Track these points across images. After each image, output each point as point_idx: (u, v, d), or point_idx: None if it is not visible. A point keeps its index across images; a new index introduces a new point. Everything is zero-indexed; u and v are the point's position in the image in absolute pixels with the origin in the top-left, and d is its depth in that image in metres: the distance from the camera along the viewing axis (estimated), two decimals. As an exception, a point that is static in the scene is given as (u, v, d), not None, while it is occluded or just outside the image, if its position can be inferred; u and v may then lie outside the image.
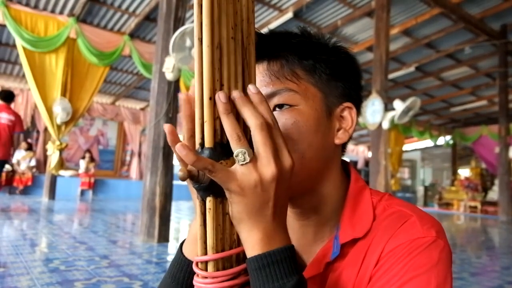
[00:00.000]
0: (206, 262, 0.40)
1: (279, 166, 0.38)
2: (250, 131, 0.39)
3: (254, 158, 0.38)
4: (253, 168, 0.38)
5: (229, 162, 0.38)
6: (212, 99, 0.37)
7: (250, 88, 0.39)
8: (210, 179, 0.38)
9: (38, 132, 10.04)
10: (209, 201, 0.39)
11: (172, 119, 4.07)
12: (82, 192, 9.57)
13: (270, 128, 0.39)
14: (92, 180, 9.67)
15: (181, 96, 0.43)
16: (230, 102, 0.38)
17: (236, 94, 0.39)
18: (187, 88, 7.21)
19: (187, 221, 6.25)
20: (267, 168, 0.38)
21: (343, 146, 0.58)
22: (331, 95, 0.54)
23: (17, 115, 5.54)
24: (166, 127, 0.41)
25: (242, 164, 0.38)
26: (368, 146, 15.11)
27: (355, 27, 7.49)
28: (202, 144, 0.39)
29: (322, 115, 0.53)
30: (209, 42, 0.36)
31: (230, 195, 0.38)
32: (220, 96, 0.37)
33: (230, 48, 0.38)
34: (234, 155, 0.37)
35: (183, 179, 0.37)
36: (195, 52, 0.38)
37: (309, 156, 0.51)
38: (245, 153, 0.37)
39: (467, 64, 9.24)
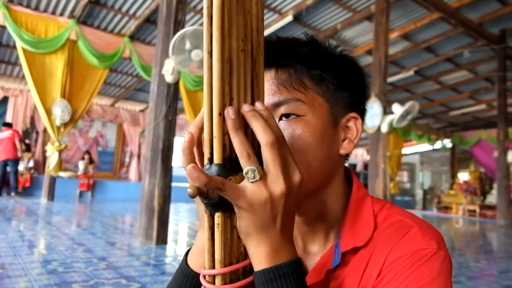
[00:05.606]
0: (213, 276, 0.40)
1: (288, 182, 0.38)
2: (258, 144, 0.38)
3: (263, 175, 0.37)
4: (263, 185, 0.37)
5: (238, 178, 0.38)
6: (222, 114, 0.37)
7: (257, 106, 0.39)
8: (219, 195, 0.37)
9: (37, 133, 10.02)
10: (218, 216, 0.39)
11: (171, 121, 4.07)
12: (81, 194, 9.53)
13: (279, 144, 0.38)
14: (91, 181, 9.63)
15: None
16: (239, 117, 0.37)
17: (246, 108, 0.38)
18: (186, 91, 7.23)
19: (185, 223, 6.24)
20: (277, 185, 0.37)
21: (346, 155, 0.58)
22: (337, 105, 0.54)
23: (13, 129, 8.44)
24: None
25: (252, 182, 0.37)
26: (367, 149, 15.12)
27: (355, 31, 7.52)
28: (211, 160, 0.38)
29: (328, 125, 0.52)
30: (219, 56, 0.35)
31: (239, 211, 0.38)
32: (229, 112, 0.36)
33: (240, 61, 0.37)
34: (244, 172, 0.37)
35: (192, 196, 0.37)
36: (204, 65, 0.37)
37: (314, 166, 0.51)
38: (255, 170, 0.37)
39: (466, 68, 9.27)
